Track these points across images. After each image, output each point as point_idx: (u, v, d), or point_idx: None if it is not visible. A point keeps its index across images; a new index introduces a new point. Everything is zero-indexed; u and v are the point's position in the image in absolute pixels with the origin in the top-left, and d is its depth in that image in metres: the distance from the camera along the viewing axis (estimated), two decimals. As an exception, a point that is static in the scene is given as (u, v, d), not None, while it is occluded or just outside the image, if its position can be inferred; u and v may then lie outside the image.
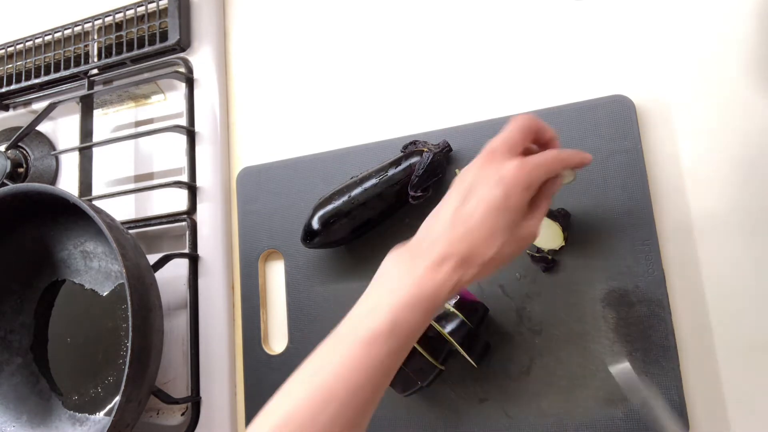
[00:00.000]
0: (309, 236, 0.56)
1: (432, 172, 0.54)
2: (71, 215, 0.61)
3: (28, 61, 0.77)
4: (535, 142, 0.45)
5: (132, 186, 0.72)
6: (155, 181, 0.71)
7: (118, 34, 0.72)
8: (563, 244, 0.51)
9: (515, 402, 0.51)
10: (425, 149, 0.54)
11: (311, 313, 0.59)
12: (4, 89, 0.78)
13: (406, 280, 0.40)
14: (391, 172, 0.54)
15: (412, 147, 0.56)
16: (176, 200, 0.68)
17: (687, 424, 0.47)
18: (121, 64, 0.72)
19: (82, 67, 0.73)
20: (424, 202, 0.56)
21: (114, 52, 0.72)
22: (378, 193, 0.54)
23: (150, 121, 0.74)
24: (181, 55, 0.71)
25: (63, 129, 0.78)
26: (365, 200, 0.54)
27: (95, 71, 0.74)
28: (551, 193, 0.44)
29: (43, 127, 0.78)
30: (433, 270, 0.40)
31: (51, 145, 0.78)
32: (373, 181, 0.54)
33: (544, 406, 0.51)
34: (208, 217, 0.66)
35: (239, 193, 0.65)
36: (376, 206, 0.54)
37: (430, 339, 0.49)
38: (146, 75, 0.72)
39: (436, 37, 0.61)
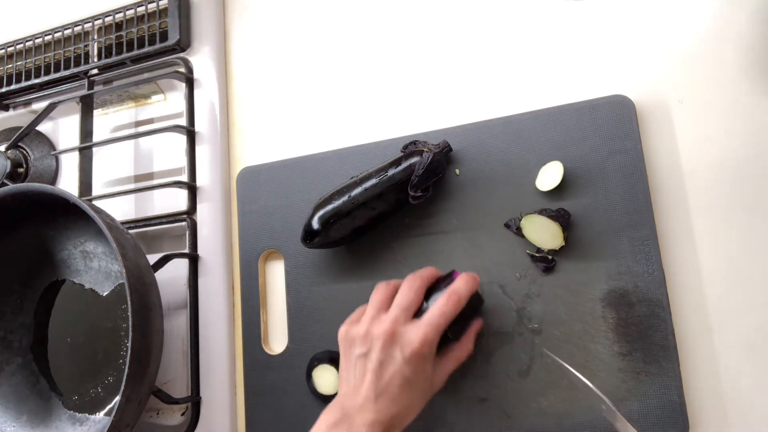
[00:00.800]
0: (309, 236, 0.56)
1: (432, 172, 0.54)
2: (71, 215, 0.61)
3: (28, 61, 0.77)
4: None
5: (132, 186, 0.72)
6: (155, 181, 0.71)
7: (118, 34, 0.72)
8: (563, 244, 0.51)
9: (515, 402, 0.52)
10: (425, 149, 0.54)
11: (311, 313, 0.59)
12: (4, 89, 0.78)
13: None
14: (391, 172, 0.54)
15: (412, 147, 0.56)
16: (176, 200, 0.68)
17: (687, 423, 0.47)
18: (121, 64, 0.72)
19: (82, 67, 0.73)
20: (423, 202, 0.56)
21: (114, 52, 0.72)
22: (378, 193, 0.54)
23: (150, 121, 0.74)
24: (181, 55, 0.71)
25: (63, 129, 0.78)
26: (365, 200, 0.54)
27: (95, 71, 0.74)
28: (456, 357, 0.50)
29: (43, 127, 0.78)
30: None
31: (51, 145, 0.78)
32: (373, 181, 0.54)
33: (544, 406, 0.51)
34: (208, 217, 0.66)
35: (239, 193, 0.65)
36: (376, 206, 0.54)
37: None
38: (146, 75, 0.72)
39: (435, 37, 0.62)
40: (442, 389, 0.49)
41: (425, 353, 0.46)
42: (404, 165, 0.54)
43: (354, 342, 0.49)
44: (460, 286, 0.49)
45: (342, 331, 0.50)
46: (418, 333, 0.46)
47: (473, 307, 0.51)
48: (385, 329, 0.47)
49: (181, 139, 0.68)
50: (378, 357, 0.47)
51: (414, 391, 0.47)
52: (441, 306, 0.47)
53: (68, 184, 0.76)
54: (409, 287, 0.49)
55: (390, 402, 0.46)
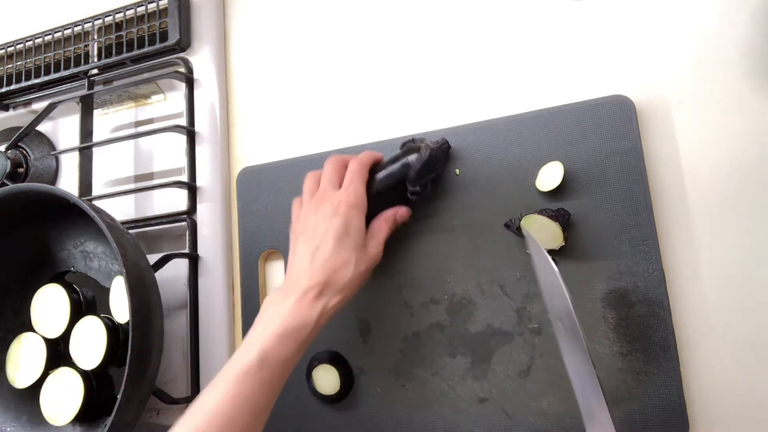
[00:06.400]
0: None
1: (430, 168, 0.54)
2: (71, 215, 0.61)
3: (28, 61, 0.77)
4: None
5: (132, 186, 0.72)
6: (155, 181, 0.71)
7: (118, 34, 0.72)
8: (563, 244, 0.51)
9: (515, 402, 0.52)
10: (423, 145, 0.54)
11: (311, 313, 0.59)
12: (4, 89, 0.78)
13: (275, 316, 0.46)
14: (390, 168, 0.54)
15: (410, 144, 0.56)
16: (176, 200, 0.68)
17: (687, 423, 0.47)
18: (121, 64, 0.72)
19: (82, 67, 0.73)
20: (424, 202, 0.56)
21: (114, 52, 0.72)
22: (377, 190, 0.54)
23: (150, 121, 0.74)
24: (181, 55, 0.71)
25: (63, 129, 0.78)
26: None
27: (95, 71, 0.74)
28: (388, 218, 0.53)
29: (43, 127, 0.78)
30: (298, 303, 0.46)
31: (51, 145, 0.78)
32: (372, 178, 0.54)
33: (544, 406, 0.51)
34: (208, 217, 0.66)
35: (239, 193, 0.65)
36: (376, 203, 0.54)
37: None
38: (146, 75, 0.72)
39: (435, 37, 0.62)
40: (442, 388, 0.49)
41: (351, 201, 0.49)
42: (402, 161, 0.54)
43: (294, 231, 0.53)
44: (362, 154, 0.54)
45: (290, 231, 0.54)
46: (342, 188, 0.51)
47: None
48: (313, 201, 0.51)
49: (181, 139, 0.68)
50: (311, 224, 0.49)
51: (348, 243, 0.48)
52: (350, 168, 0.52)
53: (68, 184, 0.76)
54: (328, 164, 0.53)
55: (325, 258, 0.47)
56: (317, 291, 0.46)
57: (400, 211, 0.54)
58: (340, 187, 0.51)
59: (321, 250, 0.48)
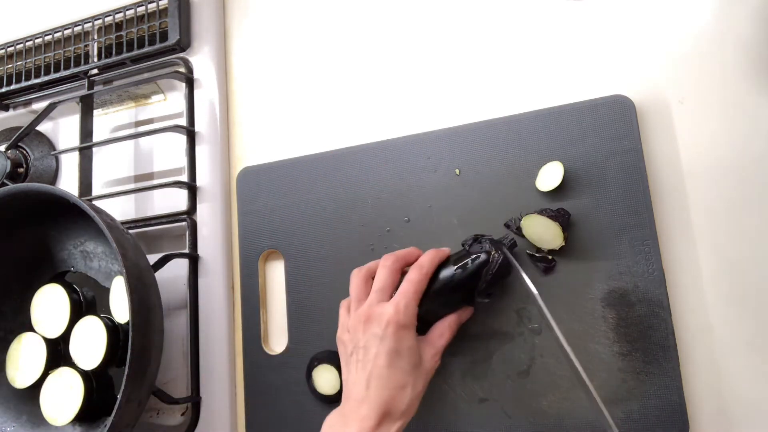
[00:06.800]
0: None
1: (501, 276, 0.50)
2: (71, 215, 0.61)
3: (28, 61, 0.77)
4: (407, 266, 0.51)
5: (132, 186, 0.72)
6: (155, 181, 0.71)
7: (118, 34, 0.72)
8: (563, 244, 0.51)
9: (515, 402, 0.52)
10: (494, 252, 0.49)
11: (311, 313, 0.59)
12: (4, 89, 0.78)
13: None
14: (455, 274, 0.50)
15: (477, 247, 0.51)
16: (176, 200, 0.68)
17: (687, 423, 0.47)
18: (121, 64, 0.72)
19: (82, 67, 0.73)
20: (424, 205, 0.56)
21: (114, 52, 0.72)
22: (436, 291, 0.50)
23: (150, 121, 0.74)
24: (181, 55, 0.71)
25: (63, 129, 0.78)
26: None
27: (95, 71, 0.74)
28: (452, 324, 0.50)
29: (43, 127, 0.78)
30: None
31: (51, 145, 0.78)
32: (437, 286, 0.50)
33: (544, 406, 0.51)
34: (208, 217, 0.66)
35: (239, 193, 0.65)
36: (433, 301, 0.50)
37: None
38: (146, 75, 0.72)
39: (435, 37, 0.62)
40: (443, 389, 0.49)
41: (401, 321, 0.46)
42: (470, 269, 0.49)
43: (344, 343, 0.49)
44: (424, 258, 0.50)
45: (337, 337, 0.51)
46: (391, 304, 0.47)
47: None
48: (361, 314, 0.48)
49: (181, 139, 0.68)
50: (361, 343, 0.47)
51: (402, 366, 0.46)
52: (408, 276, 0.48)
53: (68, 184, 0.76)
54: (382, 268, 0.50)
55: (381, 385, 0.45)
56: (377, 421, 0.44)
57: (464, 314, 0.52)
58: (392, 293, 0.48)
59: (375, 376, 0.45)
